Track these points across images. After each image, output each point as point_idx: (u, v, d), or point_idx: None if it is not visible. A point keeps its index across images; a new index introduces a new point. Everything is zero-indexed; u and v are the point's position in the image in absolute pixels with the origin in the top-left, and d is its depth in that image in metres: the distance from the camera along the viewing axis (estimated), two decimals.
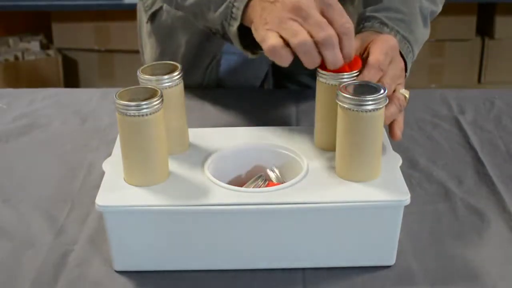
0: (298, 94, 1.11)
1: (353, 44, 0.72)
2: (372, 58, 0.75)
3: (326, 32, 0.70)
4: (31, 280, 0.70)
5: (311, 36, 0.70)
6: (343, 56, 0.72)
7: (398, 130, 0.78)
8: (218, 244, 0.70)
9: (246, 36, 0.79)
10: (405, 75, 0.83)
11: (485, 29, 2.78)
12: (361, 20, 0.86)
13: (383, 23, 0.83)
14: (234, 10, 0.77)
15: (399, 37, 0.83)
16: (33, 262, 0.72)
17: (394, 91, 0.78)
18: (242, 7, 0.76)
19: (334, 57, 0.71)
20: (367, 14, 0.86)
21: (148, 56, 1.18)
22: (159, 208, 0.67)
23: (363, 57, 0.78)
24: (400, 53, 0.82)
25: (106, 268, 0.71)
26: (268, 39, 0.70)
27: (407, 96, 0.79)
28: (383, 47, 0.77)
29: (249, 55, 0.82)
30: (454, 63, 2.80)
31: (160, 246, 0.70)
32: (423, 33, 0.88)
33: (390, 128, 0.78)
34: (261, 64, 1.16)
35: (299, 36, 0.69)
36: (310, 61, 0.71)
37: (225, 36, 0.82)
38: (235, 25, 0.77)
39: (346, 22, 0.71)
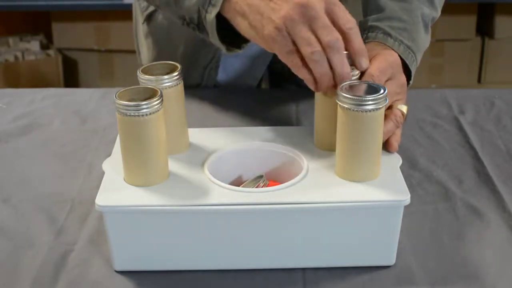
0: (298, 94, 1.10)
1: (360, 38, 0.71)
2: (367, 73, 0.75)
3: (333, 36, 0.69)
4: (31, 280, 0.70)
5: (317, 38, 0.69)
6: (356, 53, 0.71)
7: (395, 141, 0.77)
8: (218, 244, 0.70)
9: (222, 29, 0.75)
10: (409, 83, 0.84)
11: (485, 29, 2.78)
12: (363, 29, 0.86)
13: (387, 33, 0.83)
14: None
15: (403, 47, 0.83)
16: (33, 262, 0.72)
17: (391, 106, 0.78)
18: None
19: (341, 61, 0.70)
20: (370, 23, 0.86)
21: (145, 57, 1.17)
22: (159, 208, 0.67)
23: None
24: (404, 62, 0.83)
25: (106, 268, 0.71)
26: (286, 48, 0.69)
27: (404, 111, 0.79)
28: (381, 64, 0.77)
29: (224, 50, 0.78)
30: (454, 63, 2.80)
31: (160, 246, 0.70)
32: (425, 40, 0.89)
33: (387, 139, 0.77)
34: (259, 64, 1.16)
35: (312, 46, 0.69)
36: (319, 68, 0.70)
37: (199, 27, 0.77)
38: (213, 13, 0.72)
39: (349, 19, 0.71)
